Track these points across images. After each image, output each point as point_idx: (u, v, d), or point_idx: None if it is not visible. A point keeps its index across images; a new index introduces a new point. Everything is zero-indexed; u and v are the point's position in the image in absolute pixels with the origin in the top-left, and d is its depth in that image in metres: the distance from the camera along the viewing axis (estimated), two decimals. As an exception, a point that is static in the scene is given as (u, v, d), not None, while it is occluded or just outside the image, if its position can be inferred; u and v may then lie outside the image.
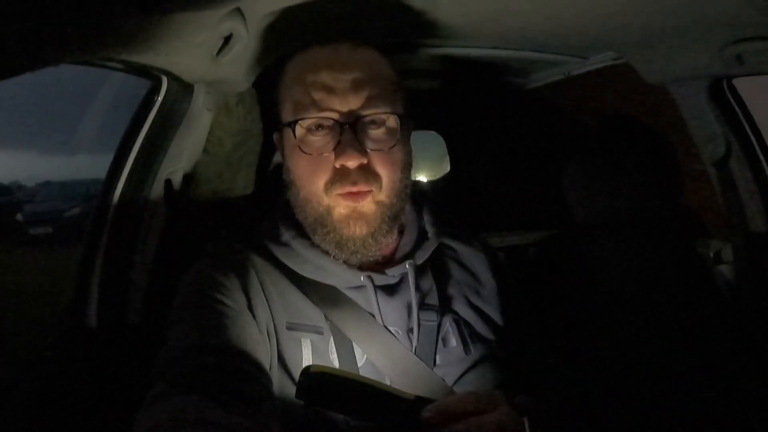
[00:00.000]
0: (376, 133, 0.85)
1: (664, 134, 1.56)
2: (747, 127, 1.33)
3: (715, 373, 1.27)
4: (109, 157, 1.14)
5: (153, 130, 1.11)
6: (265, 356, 0.79)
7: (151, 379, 0.71)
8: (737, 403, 1.24)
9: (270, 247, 0.91)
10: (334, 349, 0.84)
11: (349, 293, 0.88)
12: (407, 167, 0.91)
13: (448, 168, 2.61)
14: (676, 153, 1.55)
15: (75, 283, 1.11)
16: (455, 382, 0.86)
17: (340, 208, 0.85)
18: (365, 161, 0.83)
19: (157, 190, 1.14)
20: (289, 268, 0.89)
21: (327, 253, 0.88)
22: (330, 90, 0.84)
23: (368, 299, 0.87)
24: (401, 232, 0.96)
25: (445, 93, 1.88)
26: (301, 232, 0.91)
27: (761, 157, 1.33)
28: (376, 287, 0.87)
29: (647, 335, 1.34)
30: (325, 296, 0.87)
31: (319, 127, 0.85)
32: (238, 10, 0.85)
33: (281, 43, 1.04)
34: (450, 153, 2.58)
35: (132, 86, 1.13)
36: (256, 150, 1.35)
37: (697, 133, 1.37)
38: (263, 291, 0.86)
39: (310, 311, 0.87)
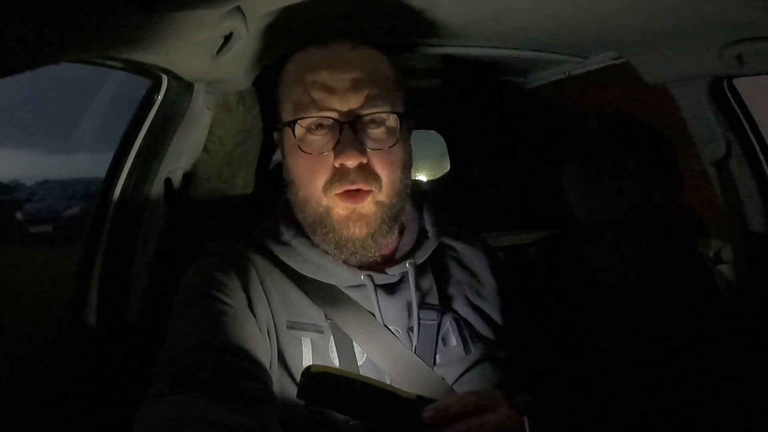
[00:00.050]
0: (376, 132, 0.85)
1: (664, 134, 1.56)
2: (747, 127, 1.33)
3: (715, 373, 1.27)
4: (108, 156, 1.14)
5: (153, 129, 1.11)
6: (266, 355, 0.79)
7: (150, 377, 0.71)
8: (737, 403, 1.24)
9: (270, 246, 0.91)
10: (335, 348, 0.84)
11: (350, 292, 0.88)
12: (407, 167, 0.91)
13: (448, 167, 2.61)
14: (676, 153, 1.55)
15: (75, 282, 1.11)
16: (455, 382, 0.86)
17: (339, 209, 0.85)
18: (365, 160, 0.83)
19: (157, 189, 1.14)
20: (290, 267, 0.89)
21: (327, 252, 0.88)
22: (330, 89, 0.84)
23: (368, 298, 0.87)
24: (401, 232, 0.96)
25: (445, 92, 1.88)
26: (302, 232, 0.91)
27: (761, 157, 1.33)
28: (376, 286, 0.87)
29: (647, 335, 1.34)
30: (325, 295, 0.87)
31: (319, 126, 0.85)
32: (239, 9, 0.85)
33: (281, 43, 1.04)
34: (450, 152, 2.58)
35: (132, 85, 1.13)
36: (256, 149, 1.35)
37: (697, 133, 1.37)
38: (263, 290, 0.86)
39: (310, 310, 0.87)
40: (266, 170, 1.62)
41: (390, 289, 0.89)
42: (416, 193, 0.98)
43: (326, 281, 0.88)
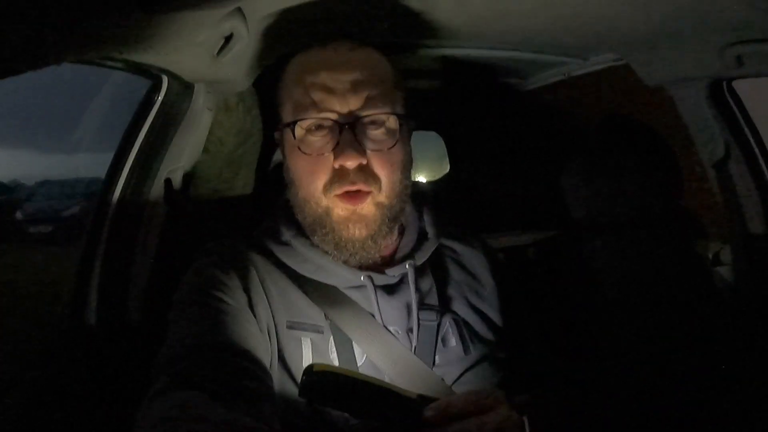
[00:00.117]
0: (376, 133, 0.85)
1: (663, 135, 1.56)
2: (746, 128, 1.33)
3: (715, 373, 1.27)
4: (108, 156, 1.14)
5: (153, 129, 1.12)
6: (266, 355, 0.80)
7: (151, 377, 0.71)
8: (737, 403, 1.24)
9: (270, 247, 0.91)
10: (334, 349, 0.84)
11: (349, 293, 0.88)
12: (407, 168, 0.91)
13: (448, 168, 2.61)
14: (676, 154, 1.55)
15: (75, 282, 1.11)
16: (454, 382, 0.86)
17: (339, 209, 0.85)
18: (364, 162, 0.83)
19: (157, 189, 1.14)
20: (290, 268, 0.89)
21: (327, 253, 0.88)
22: (329, 91, 0.84)
23: (368, 299, 0.87)
24: (402, 233, 0.96)
25: (445, 93, 1.88)
26: (302, 232, 0.91)
27: (760, 158, 1.33)
28: (376, 287, 0.87)
29: (647, 335, 1.34)
30: (325, 295, 0.87)
31: (319, 127, 0.85)
32: (239, 10, 0.85)
33: (281, 43, 1.04)
34: (450, 153, 2.58)
35: (132, 85, 1.14)
36: (255, 149, 1.35)
37: (697, 135, 1.37)
38: (264, 290, 0.86)
39: (310, 310, 0.87)
40: (266, 171, 1.62)
41: (390, 289, 0.89)
42: (416, 194, 0.98)
43: (326, 281, 0.88)
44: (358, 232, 0.85)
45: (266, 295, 0.86)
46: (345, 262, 0.88)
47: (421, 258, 0.93)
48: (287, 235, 0.92)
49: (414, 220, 0.98)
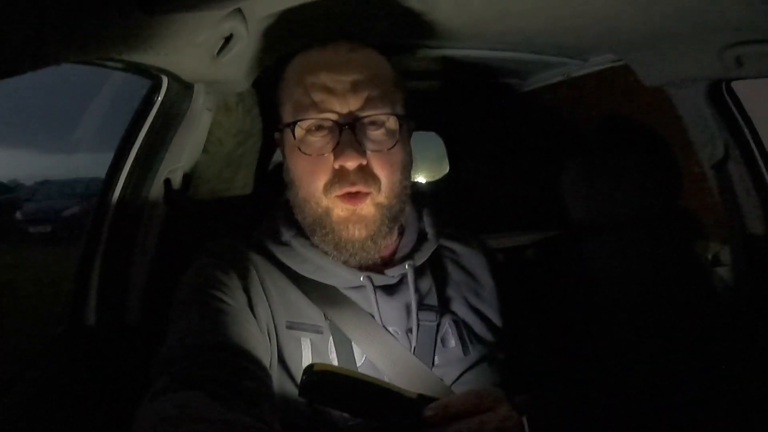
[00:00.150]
0: (376, 134, 0.85)
1: (662, 136, 1.56)
2: (745, 129, 1.34)
3: (715, 373, 1.27)
4: (108, 156, 1.14)
5: (153, 129, 1.12)
6: (265, 355, 0.80)
7: (150, 376, 0.71)
8: (737, 403, 1.24)
9: (270, 247, 0.92)
10: (334, 349, 0.84)
11: (349, 293, 0.88)
12: (407, 168, 0.91)
13: (447, 169, 2.61)
14: (675, 155, 1.55)
15: (74, 282, 1.11)
16: (453, 383, 0.86)
17: (339, 210, 0.85)
18: (364, 162, 0.83)
19: (156, 189, 1.14)
20: (289, 268, 0.89)
21: (327, 253, 0.88)
22: (329, 91, 0.84)
23: (368, 299, 0.87)
24: (401, 233, 0.96)
25: (445, 94, 1.88)
26: (301, 232, 0.91)
27: (759, 159, 1.33)
28: (375, 287, 0.87)
29: (646, 336, 1.34)
30: (324, 296, 0.87)
31: (319, 128, 0.85)
32: (239, 11, 0.85)
33: (281, 44, 1.04)
34: (449, 154, 2.58)
35: (132, 86, 1.14)
36: (255, 150, 1.35)
37: (696, 136, 1.37)
38: (263, 290, 0.86)
39: (309, 311, 0.87)
40: (265, 171, 1.62)
41: (389, 290, 0.89)
42: (416, 195, 0.98)
43: (326, 282, 0.88)
44: (357, 232, 0.85)
45: (266, 296, 0.86)
46: (345, 263, 0.88)
47: (421, 258, 0.93)
48: (287, 235, 0.92)
49: (413, 220, 0.98)
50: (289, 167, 0.91)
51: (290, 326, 0.85)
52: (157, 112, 1.11)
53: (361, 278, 0.87)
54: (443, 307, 0.92)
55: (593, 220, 1.46)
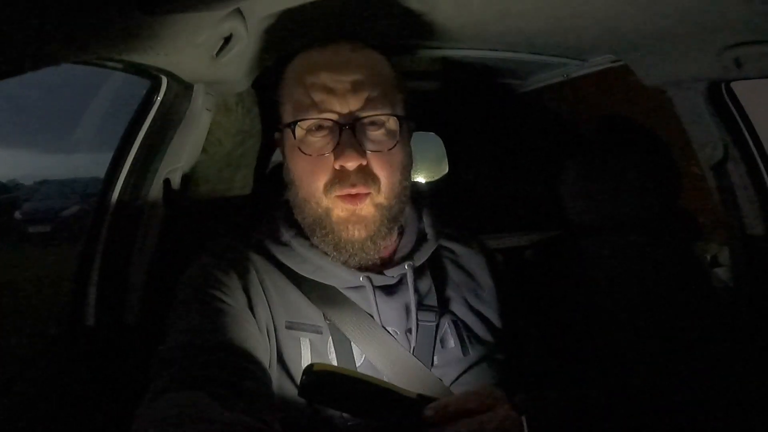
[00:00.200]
0: (376, 134, 0.85)
1: (662, 137, 1.56)
2: (745, 130, 1.34)
3: (715, 373, 1.27)
4: (108, 156, 1.14)
5: (152, 129, 1.12)
6: (265, 355, 0.80)
7: (150, 376, 0.71)
8: (737, 403, 1.24)
9: (270, 247, 0.92)
10: (333, 349, 0.84)
11: (348, 293, 0.88)
12: (407, 169, 0.91)
13: (447, 169, 2.61)
14: (674, 156, 1.55)
15: (73, 282, 1.11)
16: (453, 383, 0.86)
17: (339, 210, 0.85)
18: (364, 162, 0.83)
19: (156, 189, 1.14)
20: (289, 268, 0.89)
21: (326, 253, 0.88)
22: (330, 91, 0.84)
23: (367, 299, 0.87)
24: (401, 234, 0.96)
25: (445, 94, 1.88)
26: (301, 232, 0.91)
27: (759, 160, 1.33)
28: (374, 288, 0.87)
29: (646, 336, 1.34)
30: (324, 296, 0.87)
31: (319, 128, 0.85)
32: (238, 11, 0.85)
33: (281, 44, 1.04)
34: (449, 154, 2.59)
35: (132, 86, 1.14)
36: (254, 150, 1.35)
37: (695, 136, 1.37)
38: (263, 290, 0.86)
39: (309, 311, 0.87)
40: (265, 171, 1.62)
41: (389, 290, 0.89)
42: (415, 195, 0.98)
43: (325, 282, 0.88)
44: (357, 233, 0.85)
45: (265, 296, 0.86)
46: (344, 263, 0.88)
47: (420, 259, 0.93)
48: (287, 235, 0.92)
49: (413, 220, 0.99)
50: (289, 167, 0.91)
51: (290, 326, 0.85)
52: (156, 113, 1.11)
53: (361, 278, 0.87)
54: (442, 308, 0.92)
55: (593, 220, 1.46)
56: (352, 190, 0.83)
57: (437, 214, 1.01)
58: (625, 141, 1.70)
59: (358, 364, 0.84)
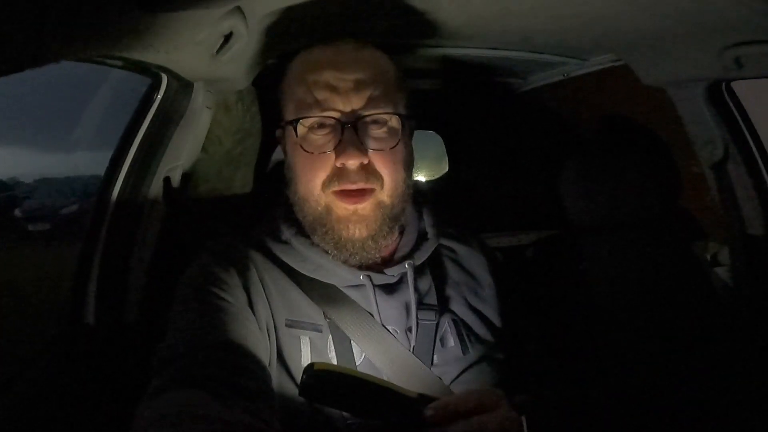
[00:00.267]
0: (378, 133, 0.85)
1: (662, 136, 1.56)
2: (745, 130, 1.34)
3: (715, 373, 1.27)
4: (107, 155, 1.14)
5: (152, 127, 1.12)
6: (265, 353, 0.80)
7: (150, 374, 0.71)
8: (737, 403, 1.24)
9: (270, 245, 0.92)
10: (333, 347, 0.84)
11: (349, 292, 0.88)
12: (409, 167, 0.91)
13: (447, 168, 2.61)
14: (674, 155, 1.55)
15: (73, 280, 1.11)
16: (452, 382, 0.86)
17: (339, 209, 0.85)
18: (366, 161, 0.83)
19: (155, 187, 1.14)
20: (289, 266, 0.89)
21: (327, 252, 0.88)
22: (332, 89, 0.84)
23: (367, 298, 0.87)
24: (401, 233, 0.96)
25: (444, 93, 1.88)
26: (302, 231, 0.91)
27: (759, 160, 1.33)
28: (375, 286, 0.87)
29: (646, 336, 1.34)
30: (324, 294, 0.87)
31: (321, 125, 0.85)
32: (238, 9, 0.85)
33: (281, 42, 1.04)
34: (449, 153, 2.59)
35: (131, 84, 1.14)
36: (254, 148, 1.35)
37: (695, 136, 1.37)
38: (263, 288, 0.86)
39: (309, 309, 0.87)
40: (265, 170, 1.62)
41: (389, 289, 0.89)
42: (416, 194, 0.98)
43: (325, 281, 0.88)
44: (358, 232, 0.85)
45: (265, 294, 0.86)
46: (344, 262, 0.88)
47: (421, 258, 0.93)
48: (287, 233, 0.92)
49: (414, 219, 0.99)
50: (290, 164, 0.91)
51: (290, 324, 0.85)
52: (156, 111, 1.11)
53: (361, 277, 0.87)
54: (442, 307, 0.92)
55: (593, 219, 1.46)
56: (352, 186, 0.83)
57: (438, 213, 1.01)
58: (625, 140, 1.71)
59: (357, 363, 0.84)
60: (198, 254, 0.91)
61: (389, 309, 0.88)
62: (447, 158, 2.60)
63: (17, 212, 8.99)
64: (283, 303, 0.87)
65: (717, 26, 1.00)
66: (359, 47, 0.89)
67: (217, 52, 0.95)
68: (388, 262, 0.92)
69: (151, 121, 1.11)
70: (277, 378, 0.81)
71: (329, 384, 0.67)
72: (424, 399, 0.70)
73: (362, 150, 0.83)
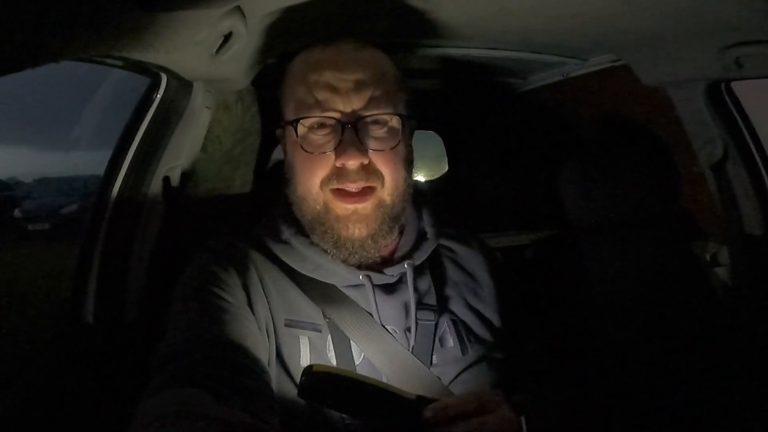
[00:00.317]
0: (378, 133, 0.85)
1: (662, 136, 1.56)
2: (744, 130, 1.34)
3: (714, 373, 1.27)
4: (107, 154, 1.15)
5: (152, 127, 1.12)
6: (264, 352, 0.80)
7: (149, 372, 0.71)
8: (737, 403, 1.24)
9: (269, 245, 0.92)
10: (332, 347, 0.84)
11: (348, 292, 0.88)
12: (409, 167, 0.91)
13: (446, 168, 2.61)
14: (674, 155, 1.55)
15: (73, 279, 1.11)
16: (451, 382, 0.86)
17: (338, 209, 0.85)
18: (366, 161, 0.83)
19: (155, 187, 1.14)
20: (289, 266, 0.89)
21: (326, 251, 0.88)
22: (333, 90, 0.84)
23: (366, 298, 0.87)
24: (401, 232, 0.96)
25: (444, 93, 1.89)
26: (301, 230, 0.91)
27: (758, 160, 1.33)
28: (374, 286, 0.87)
29: (645, 336, 1.34)
30: (323, 294, 0.87)
31: (321, 126, 0.85)
32: (238, 9, 0.85)
33: (281, 42, 1.04)
34: (448, 153, 2.59)
35: (131, 83, 1.14)
36: (254, 148, 1.35)
37: (695, 136, 1.37)
38: (263, 288, 0.86)
39: (308, 309, 0.87)
40: (264, 169, 1.62)
41: (388, 289, 0.89)
42: (415, 194, 0.98)
43: (325, 280, 0.88)
44: (357, 231, 0.85)
45: (265, 293, 0.86)
46: (344, 261, 0.88)
47: (420, 258, 0.93)
48: (286, 233, 0.92)
49: (413, 219, 0.99)
50: (290, 164, 0.91)
51: (289, 324, 0.85)
52: (156, 110, 1.11)
53: (360, 277, 0.87)
54: (442, 307, 0.92)
55: (592, 219, 1.46)
56: (352, 186, 0.83)
57: (437, 213, 1.01)
58: (624, 140, 1.70)
59: (357, 363, 0.84)
60: (197, 253, 0.91)
61: (388, 309, 0.88)
62: (447, 158, 2.60)
63: (17, 212, 8.99)
64: (282, 303, 0.87)
65: (717, 26, 1.00)
66: (360, 47, 0.89)
67: (217, 51, 0.95)
68: (388, 261, 0.92)
69: (151, 120, 1.11)
70: (276, 378, 0.81)
71: (328, 386, 0.67)
72: (423, 400, 0.70)
73: (362, 150, 0.83)
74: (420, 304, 0.90)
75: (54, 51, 0.61)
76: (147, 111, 1.11)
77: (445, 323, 0.91)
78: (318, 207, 0.86)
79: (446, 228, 1.02)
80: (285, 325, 0.85)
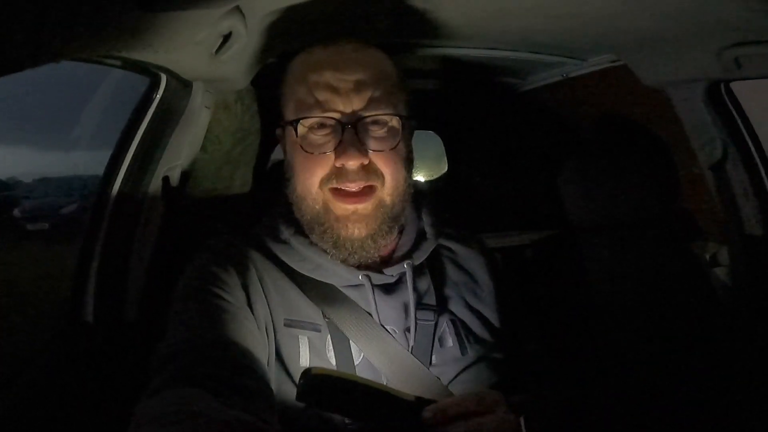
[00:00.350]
0: (378, 133, 0.85)
1: (661, 137, 1.56)
2: (744, 130, 1.34)
3: (714, 373, 1.27)
4: (107, 154, 1.14)
5: (151, 127, 1.12)
6: (263, 352, 0.80)
7: (149, 372, 0.71)
8: (737, 403, 1.24)
9: (269, 244, 0.92)
10: (332, 347, 0.84)
11: (347, 292, 0.88)
12: (409, 167, 0.91)
13: (446, 168, 2.61)
14: (674, 155, 1.55)
15: (73, 279, 1.11)
16: (451, 382, 0.86)
17: (338, 209, 0.85)
18: (366, 161, 0.83)
19: (155, 187, 1.14)
20: (288, 266, 0.89)
21: (325, 251, 0.88)
22: (333, 90, 0.84)
23: (366, 298, 0.87)
24: (400, 232, 0.96)
25: (444, 93, 1.89)
26: (301, 230, 0.91)
27: (758, 160, 1.33)
28: (374, 286, 0.87)
29: (645, 336, 1.34)
30: (323, 294, 0.87)
31: (321, 126, 0.85)
32: (238, 9, 0.85)
33: (280, 43, 1.04)
34: (448, 153, 2.59)
35: (131, 83, 1.14)
36: (254, 148, 1.35)
37: (694, 136, 1.37)
38: (262, 288, 0.86)
39: (308, 309, 0.87)
40: (264, 169, 1.62)
41: (388, 289, 0.89)
42: (415, 194, 0.98)
43: (324, 280, 0.88)
44: (357, 231, 0.85)
45: (264, 293, 0.86)
46: (343, 261, 0.88)
47: (420, 258, 0.93)
48: (286, 233, 0.92)
49: (413, 219, 0.98)
50: (290, 164, 0.91)
51: (288, 324, 0.85)
52: (155, 110, 1.11)
53: (360, 277, 0.87)
54: (441, 307, 0.92)
55: (592, 219, 1.46)
56: (352, 186, 0.83)
57: (437, 213, 1.01)
58: (624, 141, 1.71)
59: (356, 363, 0.84)
60: (197, 253, 0.91)
61: (388, 309, 0.88)
62: (447, 158, 2.60)
63: (17, 212, 8.98)
64: (282, 303, 0.87)
65: (716, 26, 1.00)
66: (360, 48, 0.89)
67: (217, 51, 0.95)
68: (387, 261, 0.92)
69: (151, 120, 1.11)
70: (275, 377, 0.81)
71: (327, 389, 0.67)
72: (422, 402, 0.70)
73: (362, 151, 0.83)
74: (419, 304, 0.90)
75: (54, 51, 0.61)
76: (147, 111, 1.11)
77: (444, 323, 0.91)
78: (317, 207, 0.86)
79: (446, 228, 1.02)
80: (284, 325, 0.85)
